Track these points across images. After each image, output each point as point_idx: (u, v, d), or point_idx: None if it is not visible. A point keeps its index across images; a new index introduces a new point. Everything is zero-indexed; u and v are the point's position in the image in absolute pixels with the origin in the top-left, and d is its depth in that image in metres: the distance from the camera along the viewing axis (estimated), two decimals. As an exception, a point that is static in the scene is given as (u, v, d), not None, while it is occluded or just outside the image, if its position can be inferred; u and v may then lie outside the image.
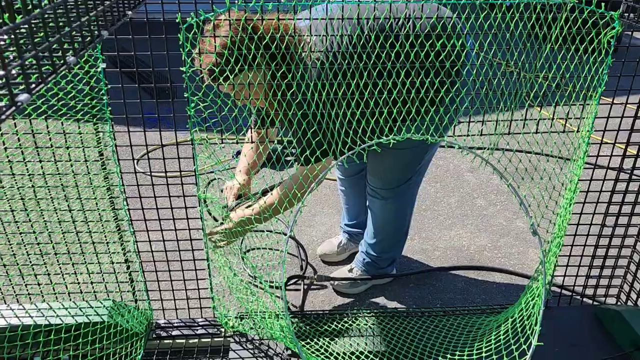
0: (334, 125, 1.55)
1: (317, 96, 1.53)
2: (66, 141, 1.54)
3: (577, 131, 1.67)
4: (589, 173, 1.78)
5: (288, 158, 2.56)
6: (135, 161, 2.95)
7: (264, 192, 1.83)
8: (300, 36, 1.57)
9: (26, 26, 0.70)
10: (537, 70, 1.52)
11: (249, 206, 1.84)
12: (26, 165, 1.54)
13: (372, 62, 1.51)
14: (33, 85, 0.76)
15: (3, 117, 0.65)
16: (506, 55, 1.50)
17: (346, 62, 1.54)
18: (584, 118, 1.65)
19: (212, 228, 1.81)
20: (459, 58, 1.56)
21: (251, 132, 1.93)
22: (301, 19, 1.64)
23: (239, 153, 2.05)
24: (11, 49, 0.70)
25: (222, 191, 1.94)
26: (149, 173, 1.68)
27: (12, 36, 0.67)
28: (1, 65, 0.67)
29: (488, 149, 1.64)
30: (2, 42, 0.67)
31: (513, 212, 2.82)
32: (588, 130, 1.63)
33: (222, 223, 1.85)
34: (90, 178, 1.61)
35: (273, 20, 1.51)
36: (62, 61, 0.83)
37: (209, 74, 1.51)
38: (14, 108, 0.68)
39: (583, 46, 1.52)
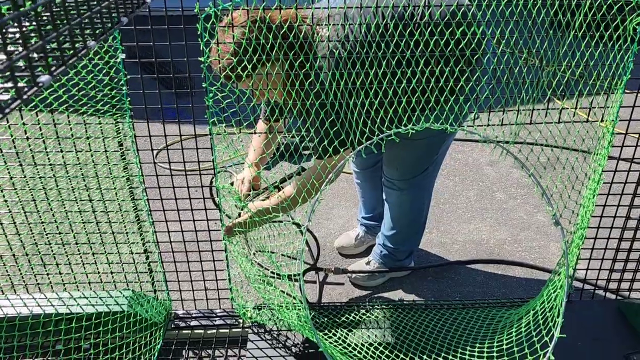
0: (352, 115, 1.54)
1: (335, 85, 1.52)
2: (86, 131, 1.55)
3: (602, 120, 1.64)
4: (612, 164, 1.74)
5: (305, 151, 2.56)
6: (155, 153, 2.98)
7: (282, 181, 1.83)
8: (319, 25, 1.57)
9: (48, 13, 0.71)
10: (560, 59, 1.49)
11: (266, 198, 1.83)
12: (47, 155, 1.56)
13: (390, 50, 1.49)
14: (54, 68, 0.77)
15: (25, 97, 0.66)
16: (528, 44, 1.47)
17: (364, 50, 1.52)
18: (608, 107, 1.61)
19: (229, 221, 1.81)
20: (479, 46, 1.54)
21: (260, 124, 1.92)
22: (319, 7, 1.63)
23: None
24: (33, 34, 0.71)
25: (232, 184, 1.94)
26: (168, 165, 1.69)
27: (34, 21, 0.68)
28: (24, 47, 0.68)
29: (508, 140, 1.61)
30: (25, 26, 0.68)
31: (534, 206, 2.78)
32: (612, 120, 1.59)
33: (237, 216, 1.86)
34: (110, 168, 1.63)
35: (290, 10, 1.50)
36: (82, 45, 0.83)
37: (226, 78, 1.51)
38: (35, 88, 0.68)
39: (608, 33, 1.48)
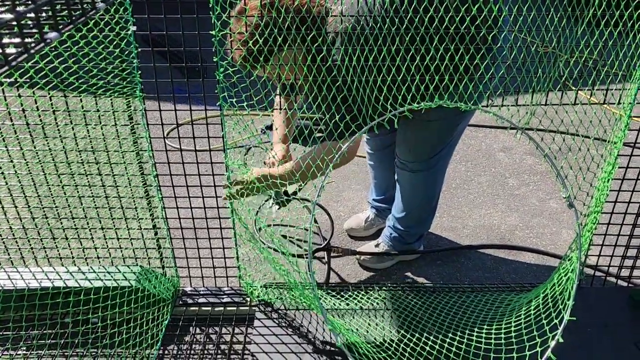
0: (364, 92, 1.52)
1: (348, 61, 1.49)
2: (97, 104, 1.55)
3: (619, 103, 1.60)
4: (628, 151, 1.70)
5: (318, 134, 2.54)
6: (166, 133, 2.97)
7: (269, 128, 1.83)
8: (332, 1, 1.54)
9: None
10: (573, 47, 1.46)
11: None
12: (57, 126, 1.56)
13: (404, 27, 1.46)
14: (61, 26, 0.76)
15: (32, 51, 0.65)
16: (540, 31, 1.43)
17: (378, 26, 1.49)
18: (625, 89, 1.57)
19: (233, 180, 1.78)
20: (495, 24, 1.50)
21: (280, 100, 1.90)
22: None
23: (268, 127, 2.03)
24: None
25: (265, 163, 1.93)
26: (178, 143, 1.68)
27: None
28: (32, 4, 0.67)
29: (522, 121, 1.58)
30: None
31: (546, 193, 2.74)
32: (630, 103, 1.56)
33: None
34: (119, 142, 1.62)
35: None
36: (91, 5, 0.82)
37: (243, 67, 1.51)
38: (42, 44, 0.67)
39: (622, 23, 1.44)
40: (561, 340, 1.24)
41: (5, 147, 1.60)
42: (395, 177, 2.09)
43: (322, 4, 1.55)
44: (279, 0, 1.45)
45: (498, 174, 2.94)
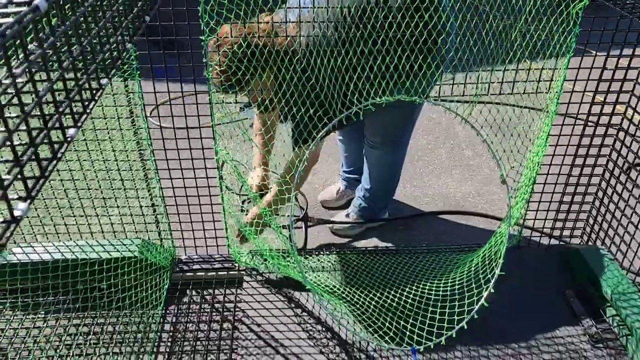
0: (334, 88, 1.78)
1: (313, 62, 1.76)
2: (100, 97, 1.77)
3: (548, 92, 1.91)
4: (560, 120, 1.99)
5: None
6: (151, 112, 3.17)
7: (247, 106, 2.14)
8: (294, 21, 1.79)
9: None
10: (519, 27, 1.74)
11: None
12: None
13: (367, 31, 1.73)
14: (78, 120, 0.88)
15: (59, 155, 0.75)
16: (485, 27, 1.71)
17: (345, 32, 1.75)
18: (556, 68, 1.85)
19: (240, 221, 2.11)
20: (443, 29, 1.77)
21: (256, 122, 2.16)
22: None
23: (246, 106, 2.26)
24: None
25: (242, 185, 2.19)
26: (159, 120, 1.92)
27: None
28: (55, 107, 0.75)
29: (469, 104, 1.88)
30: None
31: (504, 161, 3.07)
32: (557, 92, 1.86)
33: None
34: (122, 133, 1.86)
35: (268, 19, 1.74)
36: (97, 85, 0.92)
37: (224, 92, 1.81)
38: (66, 144, 0.77)
39: (554, 17, 1.73)
40: (492, 290, 1.57)
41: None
42: (364, 155, 2.38)
43: (289, 34, 1.80)
44: (249, 37, 1.70)
45: (456, 145, 3.26)
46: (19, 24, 0.60)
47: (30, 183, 0.68)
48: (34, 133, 0.69)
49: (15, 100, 0.64)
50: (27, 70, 0.64)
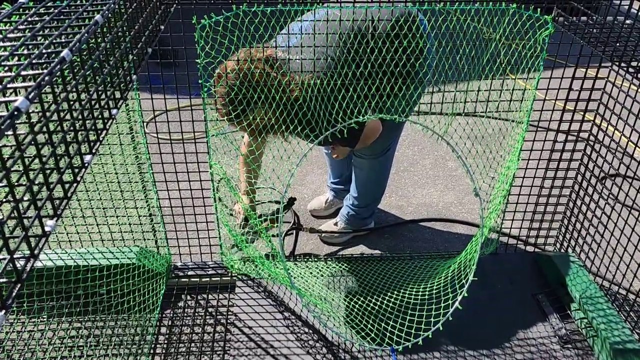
0: (325, 109, 1.92)
1: (307, 89, 1.89)
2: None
3: (519, 110, 2.06)
4: (534, 132, 2.13)
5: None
6: (145, 124, 3.30)
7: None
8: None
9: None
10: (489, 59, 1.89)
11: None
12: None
13: (359, 55, 1.87)
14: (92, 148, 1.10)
15: (79, 178, 0.89)
16: (460, 50, 1.86)
17: (337, 55, 1.88)
18: (526, 89, 2.00)
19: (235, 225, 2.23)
20: (422, 54, 1.91)
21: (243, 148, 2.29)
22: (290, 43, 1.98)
23: None
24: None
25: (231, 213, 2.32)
26: (169, 138, 2.04)
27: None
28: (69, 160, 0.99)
29: (445, 124, 2.02)
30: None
31: (477, 174, 3.22)
32: (527, 111, 2.01)
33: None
34: (122, 148, 1.98)
35: (268, 50, 1.87)
36: (108, 116, 1.08)
37: (228, 120, 1.93)
38: (84, 169, 0.91)
39: (522, 43, 1.88)
40: (466, 294, 1.71)
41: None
42: (353, 166, 2.52)
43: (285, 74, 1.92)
44: (249, 73, 1.82)
45: (440, 157, 3.41)
46: (51, 75, 0.73)
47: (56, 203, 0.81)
48: (58, 160, 0.82)
49: (43, 137, 0.78)
50: (56, 110, 0.78)
